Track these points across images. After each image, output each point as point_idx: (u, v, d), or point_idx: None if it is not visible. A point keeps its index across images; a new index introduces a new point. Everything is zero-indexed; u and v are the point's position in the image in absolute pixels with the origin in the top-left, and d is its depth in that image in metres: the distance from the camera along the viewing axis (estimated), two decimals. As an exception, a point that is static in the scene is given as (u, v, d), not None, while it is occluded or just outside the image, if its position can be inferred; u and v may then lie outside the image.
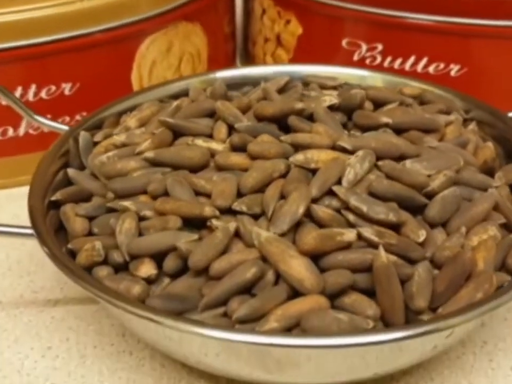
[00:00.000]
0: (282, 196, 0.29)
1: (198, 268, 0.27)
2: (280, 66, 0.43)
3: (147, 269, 0.28)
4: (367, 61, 0.45)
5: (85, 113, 0.42)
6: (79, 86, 0.41)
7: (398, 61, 0.44)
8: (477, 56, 0.43)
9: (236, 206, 0.29)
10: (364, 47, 0.45)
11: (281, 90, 0.40)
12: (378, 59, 0.45)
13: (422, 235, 0.28)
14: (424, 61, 0.44)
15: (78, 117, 0.42)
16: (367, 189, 0.30)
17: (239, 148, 0.32)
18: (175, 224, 0.29)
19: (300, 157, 0.30)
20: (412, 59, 0.44)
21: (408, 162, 0.31)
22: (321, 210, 0.28)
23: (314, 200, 0.29)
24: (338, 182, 0.30)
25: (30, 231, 0.30)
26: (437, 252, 0.28)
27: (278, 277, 0.27)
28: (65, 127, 0.37)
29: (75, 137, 0.36)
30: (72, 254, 0.30)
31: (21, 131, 0.41)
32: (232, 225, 0.28)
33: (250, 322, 0.26)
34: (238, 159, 0.32)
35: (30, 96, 0.40)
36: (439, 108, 0.36)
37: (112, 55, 0.42)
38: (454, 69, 0.43)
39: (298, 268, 0.26)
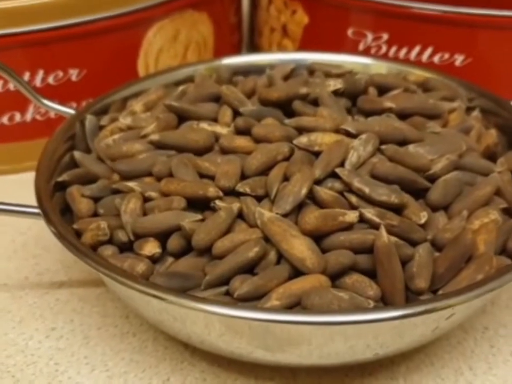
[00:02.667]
0: (286, 178, 0.30)
1: (201, 247, 0.27)
2: (285, 54, 0.43)
3: (151, 247, 0.28)
4: (373, 51, 0.45)
5: (92, 99, 0.42)
6: (86, 72, 0.42)
7: (403, 51, 0.45)
8: (481, 47, 0.43)
9: (240, 187, 0.29)
10: (370, 36, 0.45)
11: (286, 78, 0.40)
12: (384, 49, 0.45)
13: (423, 217, 0.28)
14: (429, 50, 0.44)
15: (84, 103, 0.42)
16: (370, 172, 0.30)
17: (243, 131, 0.32)
18: (180, 204, 0.29)
19: (303, 140, 0.31)
20: (417, 49, 0.44)
21: (411, 147, 0.31)
22: (324, 192, 0.28)
23: (318, 182, 0.29)
24: (342, 164, 0.30)
25: (36, 210, 0.30)
26: (438, 233, 0.28)
27: (280, 256, 0.27)
28: (72, 111, 0.37)
29: (81, 121, 0.36)
30: (78, 234, 0.30)
31: (28, 116, 0.42)
32: (235, 206, 0.29)
33: (252, 300, 0.26)
34: (242, 141, 0.32)
35: (38, 81, 0.41)
36: (443, 95, 0.36)
37: (120, 41, 0.42)
38: (459, 59, 0.44)
39: (300, 247, 0.26)
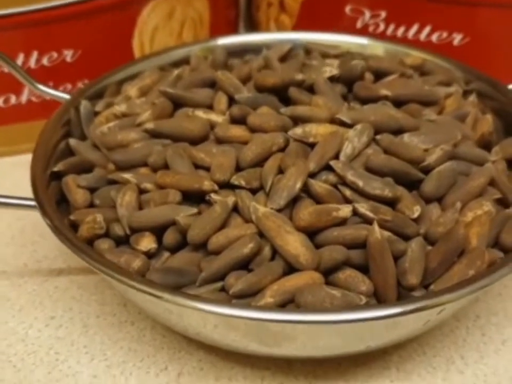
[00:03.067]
0: (281, 171, 0.30)
1: (196, 242, 0.28)
2: (282, 33, 0.42)
3: (147, 242, 0.28)
4: (370, 28, 0.45)
5: (87, 80, 0.42)
6: (81, 53, 0.41)
7: (401, 29, 0.44)
8: (480, 26, 0.43)
9: (234, 180, 0.29)
10: (367, 14, 0.45)
11: (283, 58, 0.40)
12: (382, 27, 0.45)
13: (416, 211, 0.28)
14: (427, 29, 0.43)
15: (79, 84, 0.42)
16: (364, 164, 0.30)
17: (238, 120, 0.32)
18: (175, 198, 0.29)
19: (298, 131, 0.31)
20: (415, 27, 0.44)
21: (406, 136, 0.31)
22: (318, 185, 0.29)
23: (312, 175, 0.29)
24: (336, 156, 0.30)
25: (32, 202, 0.31)
26: (431, 227, 0.28)
27: (275, 252, 0.28)
28: (67, 96, 0.37)
29: (76, 107, 0.36)
30: (74, 225, 0.31)
31: (23, 99, 0.42)
32: (230, 200, 0.29)
33: (247, 297, 0.26)
34: (237, 131, 0.32)
35: (32, 63, 0.41)
36: (439, 79, 0.36)
37: (114, 21, 0.42)
38: (457, 38, 0.43)
39: (294, 244, 0.27)
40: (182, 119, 0.33)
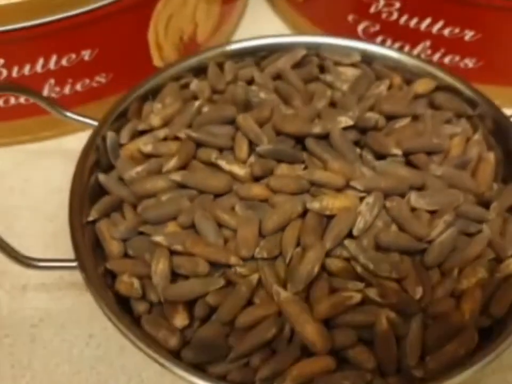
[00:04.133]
0: (299, 242, 0.33)
1: (225, 321, 0.32)
2: (296, 37, 0.43)
3: (181, 320, 0.32)
4: (383, 15, 0.45)
5: (104, 74, 0.43)
6: (98, 51, 0.42)
7: (414, 21, 0.44)
8: (491, 25, 0.43)
9: (258, 253, 0.33)
10: (382, 1, 0.45)
11: (296, 65, 0.41)
12: (395, 15, 0.45)
13: (418, 293, 0.32)
14: (439, 24, 0.44)
15: (97, 78, 0.43)
16: (375, 237, 0.33)
17: (260, 175, 0.35)
18: (204, 269, 0.33)
19: (316, 205, 0.33)
20: (427, 20, 0.44)
21: (413, 199, 0.34)
22: (334, 264, 0.32)
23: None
24: (350, 230, 0.33)
25: (75, 264, 0.34)
26: (430, 306, 0.32)
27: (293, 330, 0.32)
28: (94, 122, 0.38)
29: (103, 136, 0.38)
30: (111, 273, 0.34)
31: (44, 95, 0.43)
32: (254, 278, 0.32)
33: (271, 380, 0.31)
34: (259, 190, 0.34)
35: (51, 65, 0.41)
36: (447, 117, 0.38)
37: (130, 19, 0.42)
38: (469, 35, 0.44)
39: (312, 333, 0.31)
40: (207, 174, 0.35)
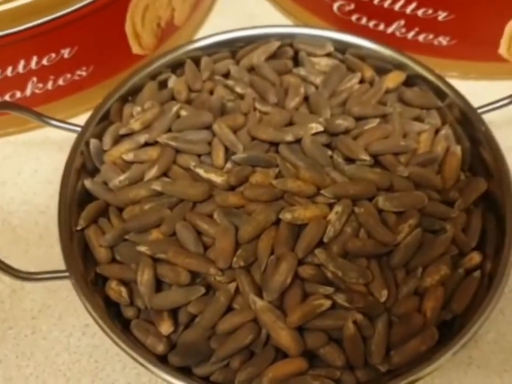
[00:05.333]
0: (272, 251, 0.36)
1: (206, 328, 0.35)
2: (270, 28, 0.43)
3: (167, 327, 0.35)
4: (358, -4, 0.46)
5: (84, 67, 0.44)
6: (77, 48, 0.43)
7: (388, 1, 0.45)
8: (464, 7, 0.44)
9: (235, 263, 0.35)
10: (355, -18, 0.45)
11: (271, 57, 0.42)
12: (369, -4, 0.45)
13: (383, 296, 0.35)
14: (413, 5, 0.44)
15: (78, 72, 0.44)
16: (343, 244, 0.36)
17: (236, 184, 0.37)
18: (185, 279, 0.35)
19: (288, 216, 0.35)
20: (401, 1, 0.45)
21: (380, 202, 0.36)
22: (306, 272, 0.35)
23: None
24: (321, 238, 0.36)
25: (67, 274, 0.36)
26: (394, 306, 0.35)
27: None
28: (77, 128, 0.40)
29: (86, 142, 0.40)
30: (101, 276, 0.37)
31: (28, 92, 0.44)
32: (232, 286, 0.35)
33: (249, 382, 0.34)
34: (234, 199, 0.37)
35: (33, 65, 0.42)
36: (416, 114, 0.40)
37: (106, 16, 0.42)
38: (442, 15, 0.44)
39: (286, 339, 0.34)
40: (186, 182, 0.37)
